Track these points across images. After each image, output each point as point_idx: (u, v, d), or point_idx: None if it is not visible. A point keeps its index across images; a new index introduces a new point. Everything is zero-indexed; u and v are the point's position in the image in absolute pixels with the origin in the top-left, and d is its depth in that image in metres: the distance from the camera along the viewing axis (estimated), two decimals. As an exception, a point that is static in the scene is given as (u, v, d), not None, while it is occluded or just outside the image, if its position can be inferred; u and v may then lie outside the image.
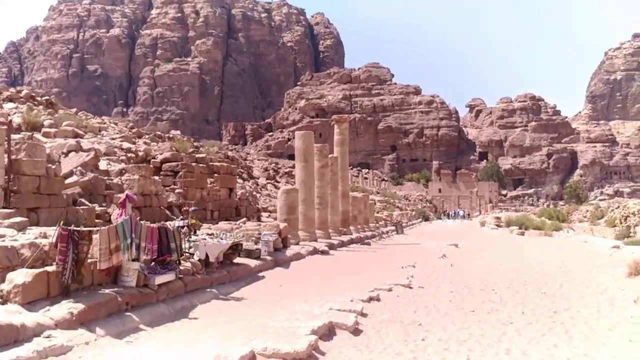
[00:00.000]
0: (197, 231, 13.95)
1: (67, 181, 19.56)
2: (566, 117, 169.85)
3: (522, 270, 18.22)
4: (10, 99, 27.85)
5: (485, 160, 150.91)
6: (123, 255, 9.54)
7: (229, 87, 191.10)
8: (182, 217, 13.42)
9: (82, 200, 19.20)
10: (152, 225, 10.99)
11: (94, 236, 9.17)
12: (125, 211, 11.49)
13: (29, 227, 11.51)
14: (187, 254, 12.40)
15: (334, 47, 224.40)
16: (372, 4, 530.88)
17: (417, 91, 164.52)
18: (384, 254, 24.50)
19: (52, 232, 9.36)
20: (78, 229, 8.72)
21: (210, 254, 12.89)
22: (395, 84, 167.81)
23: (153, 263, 10.84)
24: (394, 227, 46.95)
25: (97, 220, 18.47)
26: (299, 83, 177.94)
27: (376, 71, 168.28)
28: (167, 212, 23.52)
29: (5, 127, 15.50)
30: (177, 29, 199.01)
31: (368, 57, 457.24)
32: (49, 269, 8.56)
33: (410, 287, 13.96)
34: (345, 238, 29.50)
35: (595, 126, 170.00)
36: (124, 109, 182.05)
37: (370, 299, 11.82)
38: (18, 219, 11.41)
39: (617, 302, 11.84)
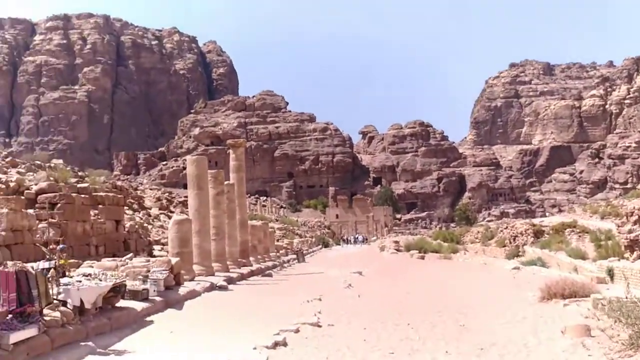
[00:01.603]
0: (68, 273, 11.87)
1: None
2: (453, 143, 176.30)
3: (433, 299, 17.32)
4: None
5: (379, 186, 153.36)
6: (-37, 310, 7.53)
7: (120, 116, 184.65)
8: (47, 256, 11.36)
9: (-63, 240, 16.53)
10: (6, 269, 8.99)
11: None
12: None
13: None
14: (56, 302, 10.34)
15: (228, 75, 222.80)
16: (266, 31, 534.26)
17: (312, 118, 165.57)
18: (287, 286, 23.04)
19: None
20: None
21: (86, 299, 10.90)
22: (290, 111, 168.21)
23: (10, 316, 8.83)
24: (295, 256, 45.61)
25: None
26: (192, 111, 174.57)
27: (270, 99, 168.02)
28: (44, 249, 20.96)
29: None
30: (63, 55, 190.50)
31: (262, 85, 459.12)
32: None
33: (319, 326, 12.56)
34: (245, 270, 27.78)
35: (480, 150, 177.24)
36: (7, 140, 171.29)
37: (276, 344, 10.30)
38: None
39: (542, 332, 10.98)
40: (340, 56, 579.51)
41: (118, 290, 12.68)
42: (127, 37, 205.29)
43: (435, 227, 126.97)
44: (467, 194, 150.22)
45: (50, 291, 10.12)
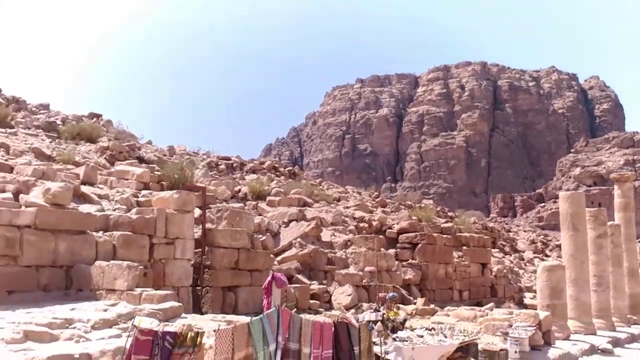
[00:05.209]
0: (401, 327, 10.08)
1: (285, 254, 17.26)
2: None
3: None
4: (253, 171, 27.38)
5: None
6: (260, 369, 6.16)
7: (496, 159, 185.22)
8: (375, 306, 9.77)
9: (299, 276, 16.64)
10: (323, 320, 7.55)
11: (208, 341, 5.98)
12: (270, 300, 8.11)
13: (183, 316, 8.86)
14: (384, 362, 8.60)
15: (612, 110, 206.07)
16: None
17: None
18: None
19: (214, 326, 6.43)
20: (172, 330, 5.59)
21: (423, 360, 8.96)
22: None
23: (325, 377, 7.33)
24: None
25: (311, 301, 15.70)
26: (572, 150, 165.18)
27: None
28: (404, 291, 20.04)
29: (199, 192, 13.60)
30: (443, 104, 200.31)
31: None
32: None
33: None
34: (636, 330, 22.93)
35: None
36: (392, 185, 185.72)
37: None
38: (168, 305, 8.83)
39: None
40: None
41: (467, 350, 10.48)
42: (504, 81, 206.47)
43: None
44: None
45: (379, 349, 8.43)
